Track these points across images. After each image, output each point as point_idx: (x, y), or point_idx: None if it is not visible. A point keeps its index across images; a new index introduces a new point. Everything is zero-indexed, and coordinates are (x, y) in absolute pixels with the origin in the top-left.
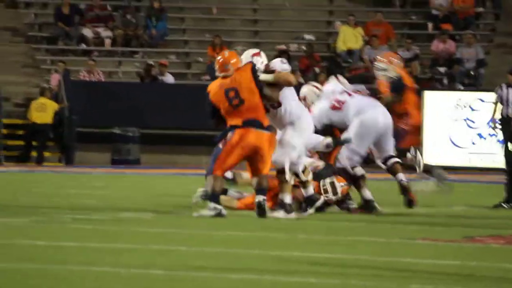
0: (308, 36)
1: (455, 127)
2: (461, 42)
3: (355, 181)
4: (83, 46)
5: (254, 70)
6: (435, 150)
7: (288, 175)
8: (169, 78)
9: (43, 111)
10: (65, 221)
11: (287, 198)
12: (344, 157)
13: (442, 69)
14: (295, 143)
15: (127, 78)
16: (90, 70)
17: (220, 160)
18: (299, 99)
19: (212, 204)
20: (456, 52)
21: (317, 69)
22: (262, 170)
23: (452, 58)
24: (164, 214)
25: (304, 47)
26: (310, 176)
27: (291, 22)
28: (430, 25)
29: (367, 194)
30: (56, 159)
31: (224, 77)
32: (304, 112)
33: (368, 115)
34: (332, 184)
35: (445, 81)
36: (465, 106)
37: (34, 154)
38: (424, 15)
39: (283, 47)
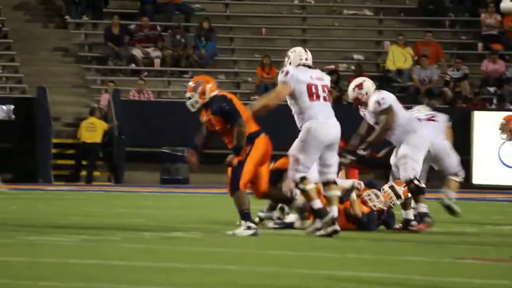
0: (357, 56)
1: (504, 147)
2: (511, 62)
3: (416, 193)
4: (133, 66)
5: None
6: (484, 170)
7: (303, 184)
8: None
9: (93, 131)
10: (115, 240)
11: (316, 204)
12: (409, 168)
13: (491, 89)
14: (301, 159)
15: (177, 98)
16: (140, 89)
17: (245, 175)
18: (356, 87)
19: (248, 223)
20: (506, 72)
21: None
22: (265, 173)
23: (502, 78)
24: (214, 233)
25: (353, 67)
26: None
27: (340, 42)
28: (479, 45)
29: (423, 207)
30: (105, 179)
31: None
32: (317, 122)
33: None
34: (375, 193)
35: (495, 101)
36: None
37: (83, 173)
38: (474, 35)
39: (332, 67)
